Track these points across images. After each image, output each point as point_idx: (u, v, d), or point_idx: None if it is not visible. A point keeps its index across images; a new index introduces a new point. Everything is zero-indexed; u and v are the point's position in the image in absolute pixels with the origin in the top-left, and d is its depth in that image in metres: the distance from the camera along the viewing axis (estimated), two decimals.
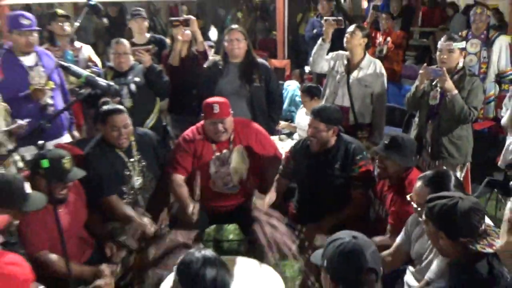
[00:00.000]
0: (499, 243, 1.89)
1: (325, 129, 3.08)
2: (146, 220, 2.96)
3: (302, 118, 4.69)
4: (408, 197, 2.43)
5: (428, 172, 2.46)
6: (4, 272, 1.53)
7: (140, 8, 4.75)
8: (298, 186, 3.45)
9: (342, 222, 2.96)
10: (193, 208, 3.01)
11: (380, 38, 6.13)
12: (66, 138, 3.87)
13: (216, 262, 1.60)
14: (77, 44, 4.80)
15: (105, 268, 2.61)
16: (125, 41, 3.95)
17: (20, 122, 3.09)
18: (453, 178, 2.37)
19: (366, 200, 3.16)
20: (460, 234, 1.85)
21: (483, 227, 1.87)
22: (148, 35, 4.71)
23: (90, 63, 4.71)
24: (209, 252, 1.63)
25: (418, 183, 2.39)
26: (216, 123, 3.14)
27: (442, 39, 3.50)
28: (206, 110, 3.16)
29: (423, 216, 2.00)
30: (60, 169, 2.60)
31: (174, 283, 1.61)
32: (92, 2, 3.80)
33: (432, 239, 2.02)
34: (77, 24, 4.29)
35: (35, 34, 3.67)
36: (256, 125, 3.45)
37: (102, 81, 2.28)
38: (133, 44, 4.47)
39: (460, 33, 4.92)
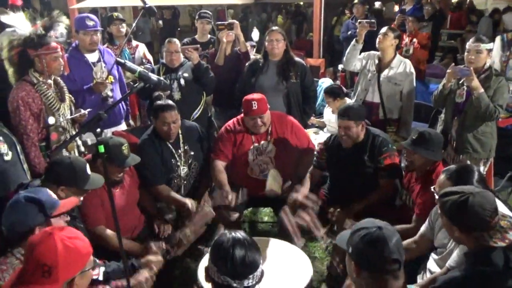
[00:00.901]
0: None
1: (354, 125, 3.00)
2: (187, 200, 2.97)
3: (329, 115, 4.58)
4: (432, 189, 2.33)
5: (452, 166, 2.35)
6: (69, 245, 1.51)
7: (208, 12, 4.76)
8: (330, 175, 3.39)
9: (369, 208, 2.90)
10: (232, 197, 3.00)
11: (406, 39, 6.01)
12: (123, 126, 3.95)
13: (245, 242, 1.55)
14: (134, 43, 4.87)
15: (152, 245, 2.64)
16: (176, 41, 3.98)
17: (83, 111, 3.15)
18: (476, 174, 2.24)
19: (391, 188, 3.07)
20: (471, 228, 1.76)
21: (495, 220, 1.76)
22: (209, 36, 4.74)
23: (144, 60, 4.78)
24: (239, 234, 1.58)
25: (442, 176, 2.29)
26: (255, 119, 3.12)
27: (471, 40, 3.34)
28: (245, 107, 3.13)
29: (438, 210, 1.91)
30: (120, 155, 2.65)
31: (208, 262, 1.59)
32: (147, 4, 3.81)
33: (448, 231, 1.93)
34: (134, 25, 4.33)
35: (98, 34, 3.74)
36: (291, 118, 3.39)
37: (153, 76, 2.27)
38: (195, 41, 4.53)
39: (506, 38, 4.61)
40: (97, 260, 1.87)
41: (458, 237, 1.83)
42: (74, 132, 3.07)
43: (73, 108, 3.17)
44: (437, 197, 2.26)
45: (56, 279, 1.47)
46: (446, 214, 1.83)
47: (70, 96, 3.19)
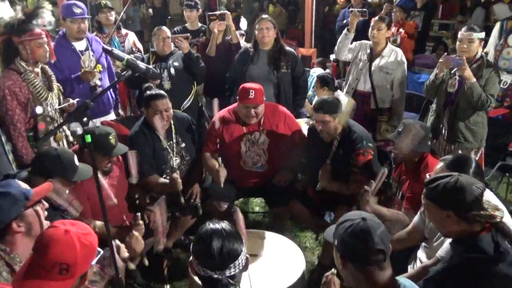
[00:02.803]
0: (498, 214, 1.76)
1: (331, 119, 2.93)
2: (174, 175, 2.89)
3: None
4: (427, 175, 2.29)
5: (450, 156, 2.32)
6: (85, 243, 1.52)
7: None
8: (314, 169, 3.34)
9: (340, 192, 2.92)
10: (220, 168, 2.98)
11: (393, 29, 5.98)
12: (112, 116, 3.87)
13: (222, 232, 1.52)
14: (123, 31, 4.79)
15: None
16: (165, 28, 3.91)
17: (72, 100, 3.09)
18: (473, 164, 2.21)
19: (364, 184, 2.89)
20: (468, 208, 1.73)
21: (483, 199, 1.77)
22: (199, 24, 4.65)
23: (134, 49, 4.70)
24: (218, 224, 1.56)
25: (440, 164, 2.26)
26: (249, 108, 3.07)
27: (463, 29, 3.31)
28: (242, 94, 3.08)
29: (423, 200, 1.88)
30: (107, 145, 2.59)
31: (191, 255, 1.58)
32: None
33: (435, 221, 1.88)
34: (122, 13, 4.24)
35: (86, 22, 3.66)
36: (284, 109, 3.36)
37: (142, 65, 2.20)
38: (186, 30, 4.47)
39: (505, 26, 4.58)
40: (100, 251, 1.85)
41: (449, 224, 1.79)
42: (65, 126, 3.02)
43: (61, 98, 3.10)
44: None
45: (73, 275, 1.49)
46: (438, 199, 1.79)
47: (58, 85, 3.12)
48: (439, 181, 1.80)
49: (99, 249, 1.65)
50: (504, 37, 4.45)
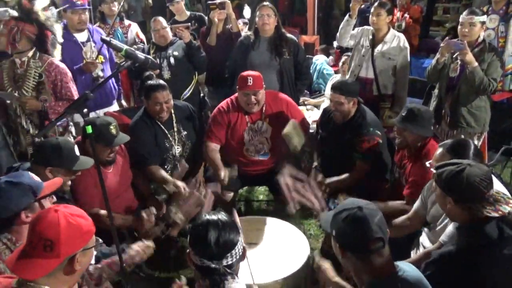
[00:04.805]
0: (507, 208, 1.73)
1: (345, 101, 2.95)
2: (180, 183, 2.92)
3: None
4: (427, 164, 2.29)
5: (449, 140, 2.31)
6: (72, 222, 1.50)
7: None
8: (322, 152, 3.34)
9: (346, 186, 2.90)
10: (224, 173, 2.99)
11: (398, 14, 5.89)
12: (114, 107, 3.88)
13: (218, 223, 1.53)
14: (126, 22, 4.76)
15: (143, 213, 2.64)
16: (161, 18, 3.91)
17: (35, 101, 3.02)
18: (472, 147, 2.21)
19: (365, 170, 2.98)
20: (465, 199, 1.73)
21: (490, 192, 1.74)
22: (188, 12, 4.62)
23: (137, 40, 4.68)
24: (215, 215, 1.57)
25: (439, 150, 2.25)
26: (249, 95, 3.06)
27: (464, 13, 3.28)
28: (240, 82, 3.08)
29: (431, 185, 1.88)
30: (108, 134, 2.59)
31: (188, 245, 1.59)
32: None
33: (440, 204, 1.90)
34: (122, 3, 4.22)
35: (87, 13, 3.65)
36: (285, 96, 3.34)
37: (141, 55, 2.18)
38: (175, 22, 4.43)
39: (481, 8, 4.57)
40: (100, 241, 1.85)
41: (450, 209, 1.80)
42: (24, 120, 3.00)
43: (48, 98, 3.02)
44: (433, 171, 2.23)
45: (58, 254, 1.46)
46: (441, 184, 1.80)
47: (41, 83, 3.01)
48: (447, 167, 1.79)
49: (100, 240, 1.63)
50: None
